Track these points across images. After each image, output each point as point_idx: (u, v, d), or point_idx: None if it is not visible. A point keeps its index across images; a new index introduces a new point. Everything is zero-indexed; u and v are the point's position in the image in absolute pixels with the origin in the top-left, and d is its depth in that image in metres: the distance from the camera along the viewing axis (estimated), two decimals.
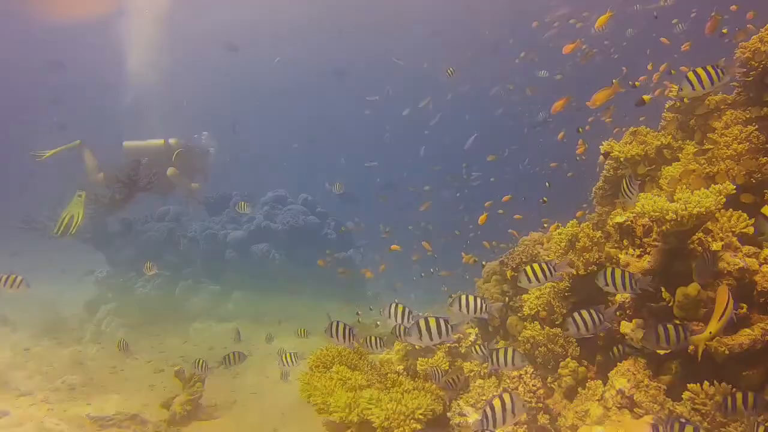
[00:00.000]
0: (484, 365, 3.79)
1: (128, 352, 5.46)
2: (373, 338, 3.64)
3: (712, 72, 2.53)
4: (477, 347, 3.61)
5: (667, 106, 4.45)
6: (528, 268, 2.81)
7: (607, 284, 2.72)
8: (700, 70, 2.55)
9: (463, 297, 2.70)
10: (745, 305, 2.93)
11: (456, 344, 4.31)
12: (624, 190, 2.77)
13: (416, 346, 4.38)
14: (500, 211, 6.65)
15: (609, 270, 2.71)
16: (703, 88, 2.53)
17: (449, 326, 2.42)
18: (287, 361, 4.13)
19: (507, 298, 4.76)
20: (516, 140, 13.79)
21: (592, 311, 2.62)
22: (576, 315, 2.52)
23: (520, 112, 13.16)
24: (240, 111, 27.00)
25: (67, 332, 8.18)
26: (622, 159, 4.08)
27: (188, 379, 5.29)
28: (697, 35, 5.25)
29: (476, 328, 4.82)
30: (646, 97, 3.66)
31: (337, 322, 3.12)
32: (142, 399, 5.35)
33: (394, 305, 2.93)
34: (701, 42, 5.77)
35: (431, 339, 2.43)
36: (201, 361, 5.05)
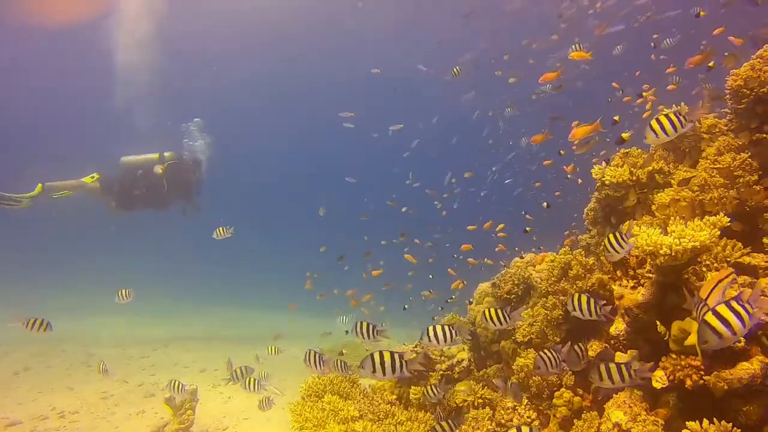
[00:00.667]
0: (478, 394, 3.73)
1: (108, 374, 5.22)
2: (339, 362, 3.62)
3: (675, 119, 2.54)
4: (430, 389, 3.54)
5: None
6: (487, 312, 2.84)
7: (575, 309, 2.80)
8: (663, 119, 2.56)
9: (431, 329, 2.71)
10: (743, 339, 2.89)
11: (450, 372, 4.25)
12: (607, 246, 2.73)
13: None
14: (501, 233, 6.59)
15: (576, 296, 2.76)
16: (667, 135, 2.53)
17: (404, 362, 2.36)
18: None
19: None
20: (500, 159, 13.85)
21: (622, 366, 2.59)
22: (602, 366, 2.49)
23: (503, 133, 13.23)
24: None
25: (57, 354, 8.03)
26: (613, 182, 4.06)
27: (179, 406, 5.18)
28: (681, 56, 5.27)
29: (469, 353, 4.77)
30: (625, 135, 3.66)
31: (310, 350, 3.07)
32: (133, 426, 5.24)
33: (359, 322, 2.93)
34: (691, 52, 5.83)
35: (384, 375, 2.37)
36: (192, 388, 4.95)
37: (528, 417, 3.43)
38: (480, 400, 3.69)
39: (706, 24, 6.03)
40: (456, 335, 2.63)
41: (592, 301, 2.69)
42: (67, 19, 18.32)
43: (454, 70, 7.06)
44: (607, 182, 4.08)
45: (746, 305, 1.91)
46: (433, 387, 3.46)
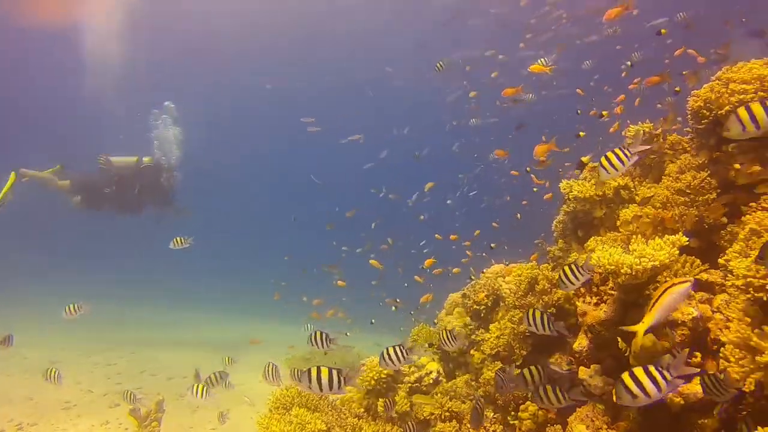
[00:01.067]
0: (445, 407, 3.74)
1: (60, 383, 4.96)
2: (296, 370, 3.64)
3: (621, 154, 2.66)
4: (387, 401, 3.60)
5: (626, 143, 4.54)
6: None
7: (530, 325, 2.89)
8: (611, 155, 2.67)
9: (385, 351, 2.78)
10: (699, 354, 2.97)
11: (418, 384, 4.25)
12: (562, 278, 2.79)
13: (378, 385, 4.30)
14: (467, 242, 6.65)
15: (531, 311, 2.84)
16: (617, 170, 2.68)
17: (341, 378, 2.36)
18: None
19: (469, 331, 4.75)
20: (467, 169, 14.03)
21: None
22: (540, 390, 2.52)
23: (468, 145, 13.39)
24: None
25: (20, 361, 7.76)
26: (581, 197, 4.13)
27: (144, 417, 5.06)
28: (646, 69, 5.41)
29: (439, 363, 4.79)
30: (584, 158, 3.74)
31: (269, 363, 3.09)
32: None
33: (314, 332, 3.05)
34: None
35: (321, 390, 2.36)
36: (157, 399, 4.85)
37: (493, 431, 3.46)
38: (447, 413, 3.71)
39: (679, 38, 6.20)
40: (406, 357, 2.66)
41: (545, 316, 2.78)
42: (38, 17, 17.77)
43: (438, 64, 7.03)
44: (573, 197, 4.15)
45: (665, 372, 1.98)
46: (388, 399, 3.49)
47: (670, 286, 2.46)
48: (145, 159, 8.46)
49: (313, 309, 7.69)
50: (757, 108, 1.92)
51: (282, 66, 23.09)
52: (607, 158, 2.61)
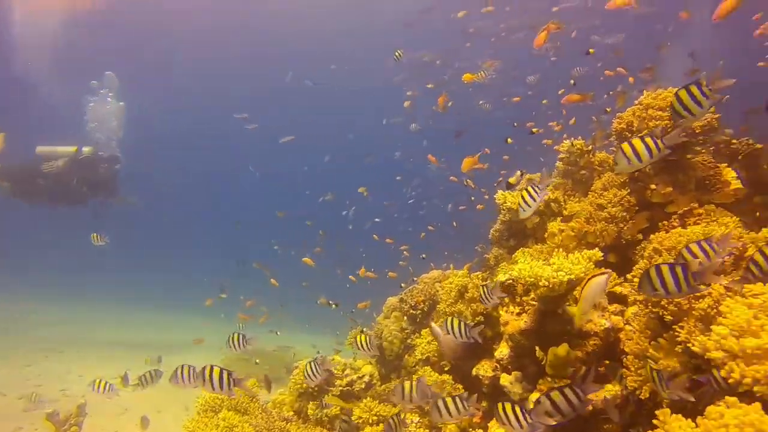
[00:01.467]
0: (373, 411, 3.78)
1: None
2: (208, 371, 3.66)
3: (533, 192, 2.90)
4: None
5: (559, 157, 4.75)
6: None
7: (448, 332, 3.01)
8: (524, 193, 2.89)
9: (306, 366, 2.89)
10: (608, 362, 3.16)
11: (350, 387, 4.27)
12: (481, 296, 2.99)
13: (309, 387, 4.29)
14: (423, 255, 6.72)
15: (449, 319, 2.99)
16: (530, 207, 2.91)
17: (232, 380, 2.44)
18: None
19: (405, 336, 4.83)
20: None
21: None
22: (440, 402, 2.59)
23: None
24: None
25: None
26: (514, 209, 4.29)
27: (63, 421, 4.81)
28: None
29: (375, 367, 4.84)
30: (512, 179, 3.90)
31: (183, 366, 3.02)
32: None
33: (233, 334, 3.15)
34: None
35: (213, 389, 2.46)
36: (80, 402, 4.62)
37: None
38: (374, 417, 3.75)
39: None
40: (320, 370, 2.70)
41: (462, 324, 2.89)
42: None
43: (397, 53, 7.02)
44: (507, 208, 4.30)
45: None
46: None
47: (590, 278, 2.62)
48: (85, 149, 8.03)
49: (255, 310, 7.56)
50: (638, 144, 2.09)
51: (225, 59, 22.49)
52: (522, 196, 2.81)
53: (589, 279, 2.64)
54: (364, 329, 4.95)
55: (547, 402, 2.25)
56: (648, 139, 2.11)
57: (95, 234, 5.10)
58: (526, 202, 2.74)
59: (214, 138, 28.29)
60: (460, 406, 2.49)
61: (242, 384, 2.47)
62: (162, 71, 24.13)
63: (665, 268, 1.86)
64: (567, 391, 2.20)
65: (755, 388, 1.66)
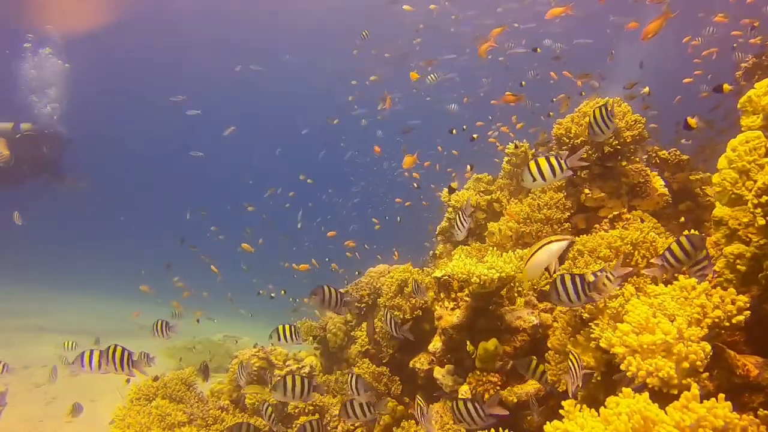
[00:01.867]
0: (309, 402, 3.80)
1: None
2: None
3: (463, 219, 2.94)
4: None
5: (505, 159, 4.89)
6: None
7: (385, 325, 3.21)
8: (457, 220, 2.96)
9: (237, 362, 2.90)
10: (535, 357, 3.30)
11: None
12: (413, 291, 3.12)
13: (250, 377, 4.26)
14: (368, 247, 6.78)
15: (387, 313, 3.15)
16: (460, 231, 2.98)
17: (131, 360, 2.50)
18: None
19: (349, 328, 4.86)
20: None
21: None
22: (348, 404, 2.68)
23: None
24: None
25: None
26: (457, 207, 4.39)
27: None
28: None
29: (319, 358, 4.85)
30: (453, 184, 4.04)
31: (111, 346, 2.99)
32: None
33: (157, 321, 3.28)
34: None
35: (116, 370, 2.50)
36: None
37: (352, 425, 3.57)
38: (311, 407, 3.77)
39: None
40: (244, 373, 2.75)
41: (393, 320, 3.01)
42: None
43: (364, 32, 6.94)
44: (452, 205, 4.40)
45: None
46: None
47: (547, 243, 2.35)
48: (24, 126, 7.51)
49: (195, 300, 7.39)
50: (542, 162, 2.25)
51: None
52: (456, 222, 2.93)
53: (546, 243, 2.38)
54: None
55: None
56: (552, 159, 2.26)
57: (16, 213, 4.91)
58: (458, 226, 2.83)
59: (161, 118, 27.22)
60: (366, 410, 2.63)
61: (140, 366, 2.49)
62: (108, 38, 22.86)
63: (568, 278, 2.01)
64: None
65: (648, 380, 1.79)
